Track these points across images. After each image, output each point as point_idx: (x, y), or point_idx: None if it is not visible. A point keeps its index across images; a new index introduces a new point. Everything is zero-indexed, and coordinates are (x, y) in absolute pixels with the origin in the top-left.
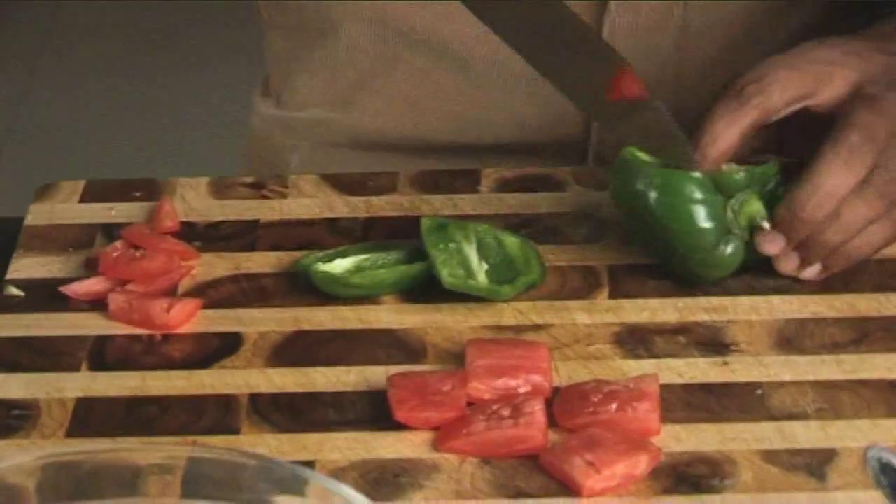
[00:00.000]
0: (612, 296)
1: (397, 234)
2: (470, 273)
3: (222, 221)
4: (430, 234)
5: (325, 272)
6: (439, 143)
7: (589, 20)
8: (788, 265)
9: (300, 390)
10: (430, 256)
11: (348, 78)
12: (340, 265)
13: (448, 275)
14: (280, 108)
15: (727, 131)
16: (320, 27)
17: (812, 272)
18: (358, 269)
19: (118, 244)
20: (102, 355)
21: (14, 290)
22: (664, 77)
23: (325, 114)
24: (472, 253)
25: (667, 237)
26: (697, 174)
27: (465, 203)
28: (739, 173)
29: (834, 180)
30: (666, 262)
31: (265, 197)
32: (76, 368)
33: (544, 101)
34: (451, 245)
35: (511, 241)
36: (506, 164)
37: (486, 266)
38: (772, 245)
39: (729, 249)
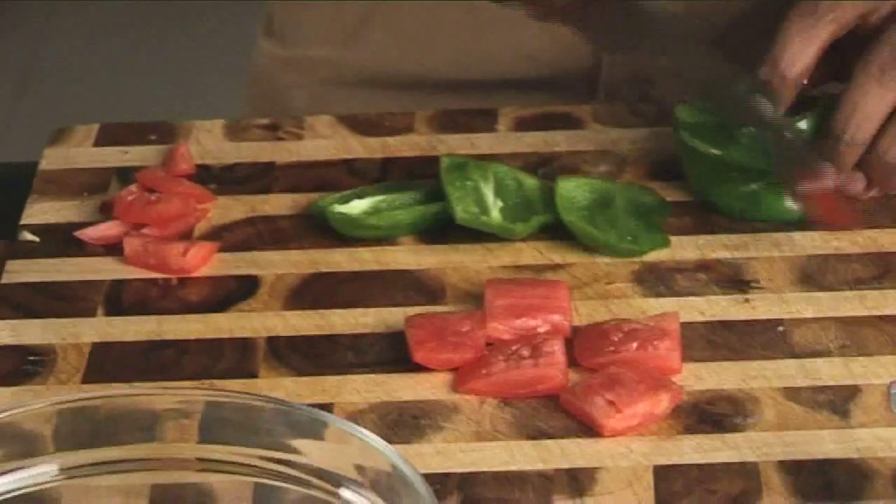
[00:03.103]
0: None
1: (414, 174)
2: (484, 210)
3: (238, 164)
4: (448, 172)
5: (342, 213)
6: (446, 79)
7: None
8: (855, 187)
9: (318, 333)
10: (446, 194)
11: (352, 13)
12: (357, 206)
13: (462, 211)
14: (283, 47)
15: (805, 50)
16: None
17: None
18: (375, 210)
19: (133, 188)
20: (118, 300)
21: (29, 236)
22: None
23: (329, 51)
24: (488, 191)
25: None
26: None
27: (482, 142)
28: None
29: (869, 99)
30: None
31: (281, 139)
32: (92, 313)
33: (553, 35)
34: (468, 183)
35: (530, 182)
36: (515, 101)
37: (500, 204)
38: (824, 181)
39: None
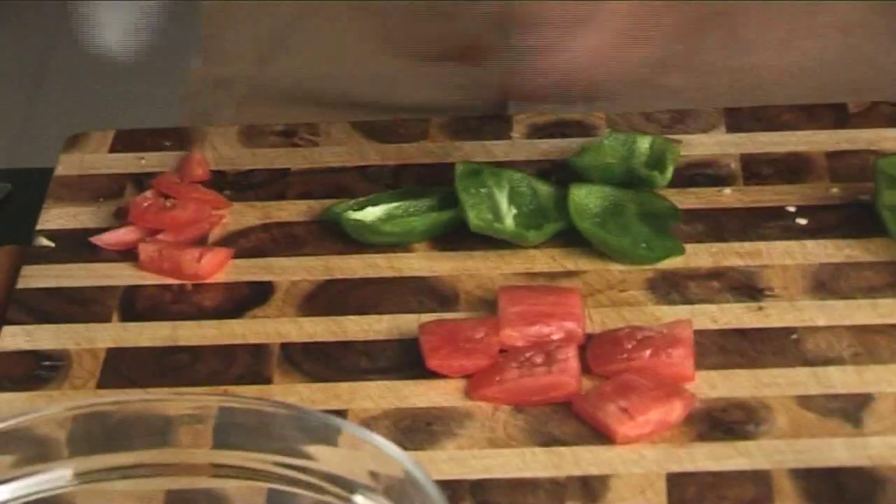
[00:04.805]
0: None
1: (428, 180)
2: (498, 217)
3: (253, 170)
4: (463, 179)
5: (357, 220)
6: (364, 98)
7: None
8: None
9: (332, 339)
10: (460, 201)
11: (267, 31)
12: (371, 213)
13: (475, 217)
14: (206, 63)
15: None
16: None
17: None
18: (389, 216)
19: (148, 194)
20: (133, 305)
21: (44, 241)
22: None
23: (245, 69)
24: (502, 198)
25: None
26: None
27: (496, 149)
28: None
29: None
30: None
31: (296, 145)
32: (107, 318)
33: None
34: (483, 190)
35: (545, 190)
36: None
37: (514, 211)
38: None
39: None
